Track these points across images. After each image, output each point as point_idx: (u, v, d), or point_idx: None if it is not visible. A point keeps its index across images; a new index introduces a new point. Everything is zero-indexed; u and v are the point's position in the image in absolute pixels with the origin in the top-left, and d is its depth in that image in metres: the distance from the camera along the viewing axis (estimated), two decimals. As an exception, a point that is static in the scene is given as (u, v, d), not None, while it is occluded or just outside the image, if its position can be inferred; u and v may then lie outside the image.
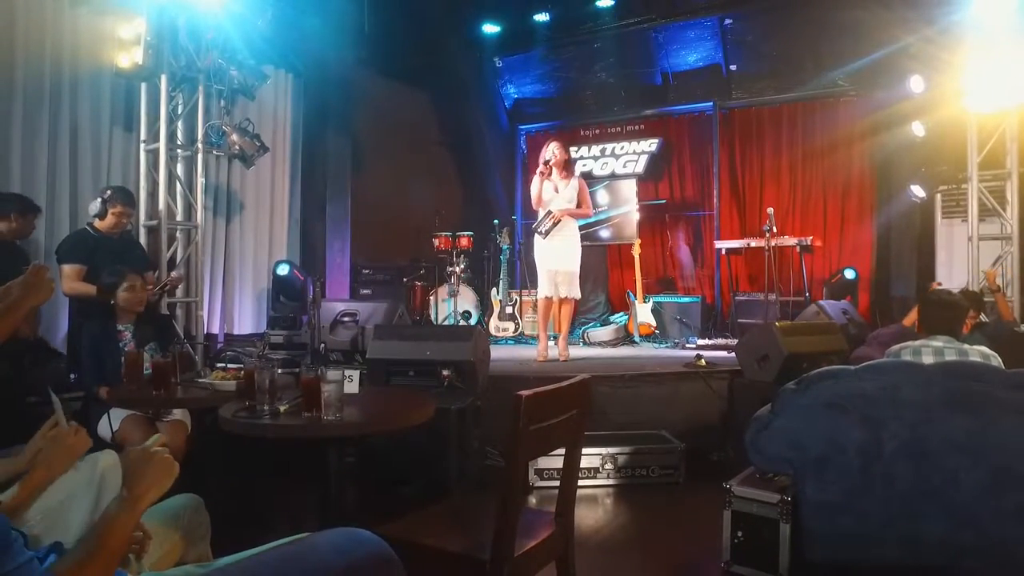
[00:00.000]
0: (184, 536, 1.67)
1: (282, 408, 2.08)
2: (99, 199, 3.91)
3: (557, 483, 3.44)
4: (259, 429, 2.01)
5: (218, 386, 2.58)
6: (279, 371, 2.29)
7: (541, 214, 5.10)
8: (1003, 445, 2.06)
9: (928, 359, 2.59)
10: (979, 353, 2.56)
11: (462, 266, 6.93)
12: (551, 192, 5.11)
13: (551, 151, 5.10)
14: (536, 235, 5.16)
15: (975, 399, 2.12)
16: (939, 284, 5.20)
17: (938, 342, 2.65)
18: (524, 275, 7.16)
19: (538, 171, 5.13)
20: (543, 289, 5.19)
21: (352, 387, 2.22)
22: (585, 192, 5.20)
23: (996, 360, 2.56)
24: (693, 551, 2.96)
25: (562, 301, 5.17)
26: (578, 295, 5.25)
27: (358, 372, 2.30)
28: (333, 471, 2.12)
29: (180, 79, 4.69)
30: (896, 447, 2.20)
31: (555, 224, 5.05)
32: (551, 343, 5.33)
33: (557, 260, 5.12)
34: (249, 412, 2.12)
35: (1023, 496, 2.03)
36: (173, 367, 2.64)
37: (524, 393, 1.56)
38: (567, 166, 5.16)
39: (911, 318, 2.81)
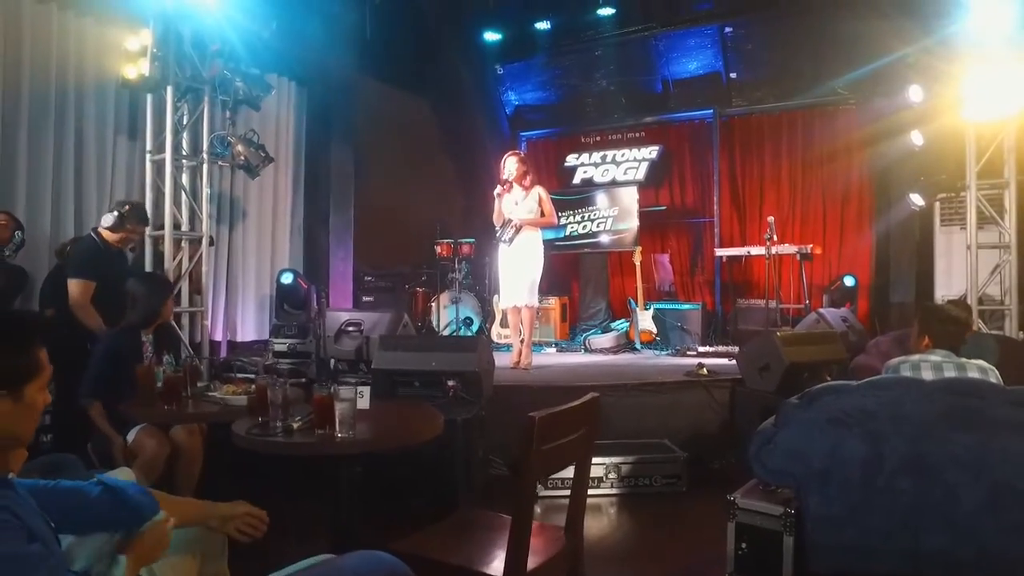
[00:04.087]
0: (202, 553, 1.70)
1: (295, 425, 2.11)
2: (116, 213, 3.91)
3: (562, 492, 3.50)
4: (272, 447, 2.04)
5: (229, 401, 2.61)
6: (289, 385, 2.32)
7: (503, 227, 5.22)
8: (1003, 461, 2.10)
9: (927, 374, 2.63)
10: (977, 368, 2.60)
11: (464, 272, 6.97)
12: (511, 206, 5.23)
13: (510, 167, 5.20)
14: (500, 246, 5.27)
15: (975, 415, 2.16)
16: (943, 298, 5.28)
17: (937, 356, 2.69)
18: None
19: (496, 191, 5.24)
20: (507, 298, 5.29)
21: (363, 403, 2.26)
22: (547, 201, 5.25)
23: (994, 375, 2.60)
24: (697, 561, 2.99)
25: (522, 309, 5.25)
26: (535, 303, 5.33)
27: (368, 388, 2.33)
28: (344, 488, 2.15)
29: (185, 89, 4.72)
30: (897, 462, 2.24)
31: (517, 232, 5.14)
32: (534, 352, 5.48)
33: (516, 268, 5.20)
34: (262, 429, 2.15)
35: (1022, 512, 2.07)
36: (184, 381, 2.67)
37: (537, 414, 1.60)
38: (526, 178, 5.22)
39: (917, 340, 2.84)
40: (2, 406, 1.18)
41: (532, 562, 1.73)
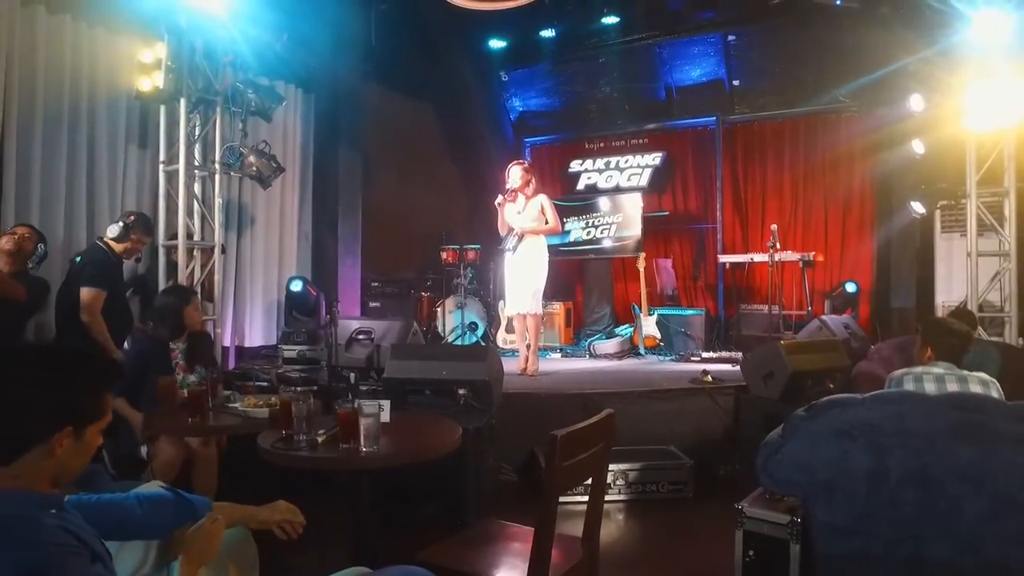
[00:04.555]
0: (236, 566, 1.77)
1: (319, 439, 2.18)
2: (122, 223, 3.99)
3: (570, 499, 3.56)
4: (299, 461, 2.11)
5: (251, 413, 2.68)
6: (312, 400, 2.37)
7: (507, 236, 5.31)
8: (1004, 474, 2.17)
9: (930, 386, 2.71)
10: (979, 381, 2.68)
11: (469, 278, 7.04)
12: (514, 215, 5.33)
13: (514, 176, 5.29)
14: (506, 253, 5.38)
15: (977, 430, 2.22)
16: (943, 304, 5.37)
17: (939, 369, 2.77)
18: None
19: (497, 200, 5.32)
20: (512, 306, 5.38)
21: (384, 417, 2.32)
22: (550, 209, 5.32)
23: (995, 388, 2.68)
24: (705, 568, 3.06)
25: (526, 316, 5.35)
26: (538, 310, 5.41)
27: (389, 402, 2.40)
28: (367, 500, 2.22)
29: (197, 101, 4.79)
30: (901, 474, 2.31)
31: (520, 240, 5.23)
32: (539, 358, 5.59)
33: (520, 276, 5.30)
34: (286, 443, 2.21)
35: (1022, 522, 2.14)
36: (207, 394, 2.74)
37: (558, 433, 1.67)
38: (528, 187, 5.31)
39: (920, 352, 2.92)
40: (66, 441, 1.21)
41: (552, 574, 1.80)
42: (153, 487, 2.02)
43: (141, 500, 1.58)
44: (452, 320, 6.94)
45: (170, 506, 1.56)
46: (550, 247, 5.59)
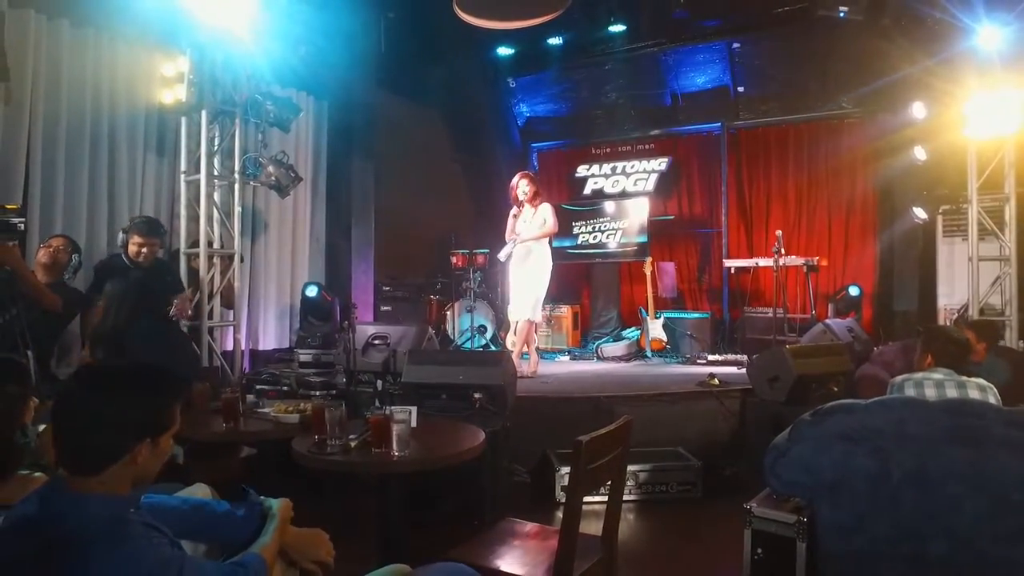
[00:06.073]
0: (280, 564, 1.89)
1: (352, 444, 2.31)
2: (122, 229, 4.18)
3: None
4: (334, 464, 2.23)
5: (282, 419, 2.80)
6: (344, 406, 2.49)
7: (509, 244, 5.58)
8: (1000, 476, 2.29)
9: (930, 391, 2.83)
10: (976, 386, 2.80)
11: (477, 281, 7.16)
12: (521, 223, 5.54)
13: (522, 189, 5.51)
14: (509, 265, 5.63)
15: (974, 434, 2.34)
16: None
17: (938, 375, 2.89)
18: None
19: (512, 212, 5.58)
20: (523, 312, 5.55)
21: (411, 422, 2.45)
22: (550, 215, 5.53)
23: (993, 392, 2.80)
24: (714, 565, 3.18)
25: (522, 322, 5.56)
26: (536, 318, 5.68)
27: (415, 408, 2.52)
28: (395, 501, 2.34)
29: (217, 112, 4.91)
30: (903, 476, 2.43)
31: (514, 245, 5.50)
32: (523, 360, 5.68)
33: (522, 284, 5.52)
34: (319, 447, 2.34)
35: (1017, 521, 2.26)
36: (239, 400, 2.86)
37: (584, 438, 1.80)
38: (535, 198, 5.53)
39: (920, 359, 3.05)
40: (145, 450, 1.35)
41: (576, 568, 1.93)
42: (198, 491, 2.15)
43: (222, 512, 1.70)
44: (461, 323, 7.06)
45: (245, 521, 1.68)
46: (558, 251, 5.75)
